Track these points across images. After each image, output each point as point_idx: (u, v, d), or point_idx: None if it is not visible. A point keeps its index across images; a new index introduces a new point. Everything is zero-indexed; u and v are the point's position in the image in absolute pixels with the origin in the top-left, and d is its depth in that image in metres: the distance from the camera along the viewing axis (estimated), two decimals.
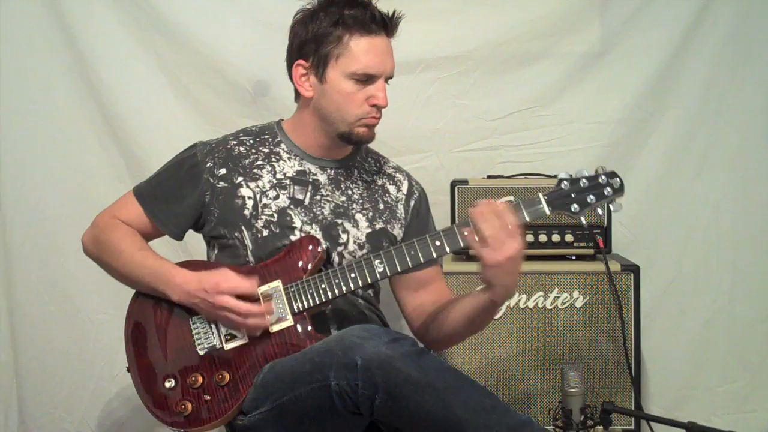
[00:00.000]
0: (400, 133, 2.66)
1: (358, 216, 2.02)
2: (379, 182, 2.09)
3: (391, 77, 1.96)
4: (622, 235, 2.68)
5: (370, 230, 2.02)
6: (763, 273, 2.76)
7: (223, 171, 2.00)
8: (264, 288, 1.88)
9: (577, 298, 2.39)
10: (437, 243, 1.83)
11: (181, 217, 2.02)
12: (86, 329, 2.77)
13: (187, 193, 2.00)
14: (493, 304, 1.83)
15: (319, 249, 1.91)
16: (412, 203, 2.10)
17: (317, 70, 1.93)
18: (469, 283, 2.37)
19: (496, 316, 2.38)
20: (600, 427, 2.23)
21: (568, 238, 2.44)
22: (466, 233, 1.77)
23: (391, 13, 1.92)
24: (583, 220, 1.82)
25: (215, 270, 1.89)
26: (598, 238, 2.43)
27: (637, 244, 2.74)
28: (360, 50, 1.89)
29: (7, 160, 2.71)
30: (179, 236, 2.06)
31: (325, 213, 2.00)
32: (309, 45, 1.93)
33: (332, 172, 2.03)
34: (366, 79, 1.91)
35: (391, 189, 2.09)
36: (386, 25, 1.91)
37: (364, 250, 1.99)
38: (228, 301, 1.83)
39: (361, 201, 2.04)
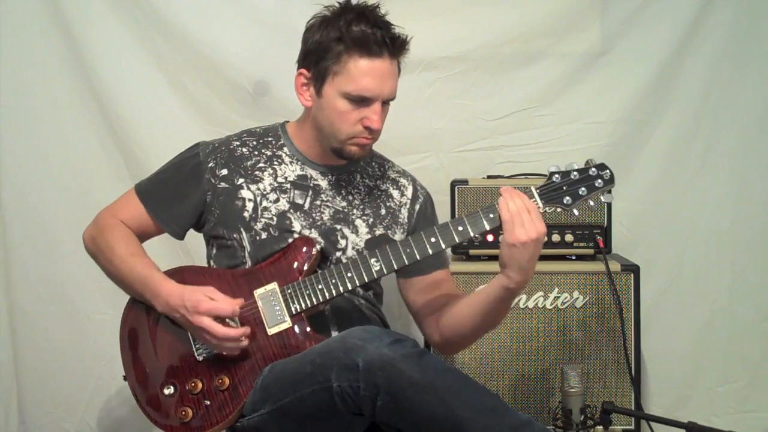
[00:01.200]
0: (400, 133, 2.64)
1: (358, 222, 2.02)
2: (383, 187, 2.08)
3: (391, 99, 1.93)
4: (622, 235, 2.68)
5: (369, 236, 2.01)
6: (763, 273, 2.76)
7: (224, 172, 1.99)
8: (260, 290, 1.88)
9: (577, 298, 2.39)
10: (432, 240, 1.83)
11: (183, 216, 2.02)
12: (86, 329, 2.76)
13: (189, 193, 2.00)
14: (508, 292, 1.80)
15: (314, 250, 1.91)
16: (417, 207, 2.09)
17: (316, 83, 1.91)
18: (469, 283, 2.38)
19: None
20: (600, 427, 2.22)
21: (568, 238, 2.44)
22: (491, 215, 1.79)
23: (397, 35, 1.88)
24: (576, 212, 1.84)
25: (200, 288, 1.87)
26: (598, 238, 2.43)
27: (637, 244, 2.74)
28: (358, 72, 1.85)
29: (7, 160, 2.71)
30: (180, 236, 2.06)
31: (325, 218, 1.99)
32: (311, 56, 1.91)
33: (333, 177, 2.03)
34: (360, 101, 1.87)
35: (395, 193, 2.09)
36: (389, 48, 1.86)
37: None
38: (204, 321, 1.82)
39: (362, 206, 2.03)
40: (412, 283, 2.05)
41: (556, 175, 1.82)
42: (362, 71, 1.86)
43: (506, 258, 1.77)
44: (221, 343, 1.84)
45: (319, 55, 1.89)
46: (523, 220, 1.74)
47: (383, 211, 2.05)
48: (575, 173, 1.82)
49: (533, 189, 1.82)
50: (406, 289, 2.08)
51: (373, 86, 1.87)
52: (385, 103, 1.92)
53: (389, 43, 1.86)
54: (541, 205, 1.81)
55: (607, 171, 1.83)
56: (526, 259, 1.75)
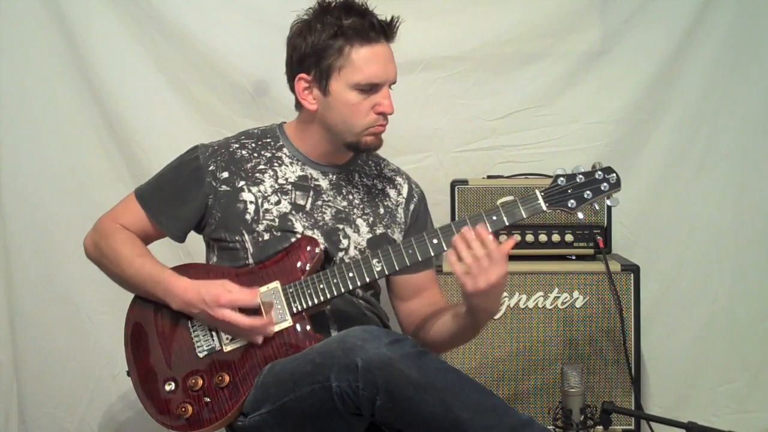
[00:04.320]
0: (400, 133, 2.63)
1: (359, 221, 2.02)
2: (380, 186, 2.08)
3: (394, 83, 1.95)
4: (622, 235, 2.68)
5: (370, 235, 2.01)
6: (763, 273, 2.75)
7: (225, 174, 1.99)
8: (263, 289, 1.88)
9: (577, 298, 2.39)
10: (434, 241, 1.84)
11: (183, 220, 2.02)
12: (86, 329, 2.76)
13: (190, 197, 2.00)
14: (476, 325, 1.87)
15: (317, 249, 1.91)
16: (412, 207, 2.10)
17: (320, 83, 1.91)
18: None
19: (496, 317, 2.39)
20: (600, 427, 2.23)
21: (568, 238, 2.44)
22: (450, 257, 1.77)
23: (389, 18, 1.90)
24: (581, 216, 1.84)
25: (215, 281, 1.88)
26: (598, 238, 2.43)
27: (637, 244, 2.74)
28: (362, 60, 1.87)
29: (7, 160, 2.71)
30: (181, 239, 2.06)
31: (326, 218, 1.99)
32: (309, 58, 1.91)
33: (334, 177, 2.03)
34: (370, 89, 1.89)
35: (392, 193, 2.09)
36: (385, 31, 1.90)
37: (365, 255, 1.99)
38: (228, 315, 1.83)
39: (362, 206, 2.03)
40: (396, 287, 2.07)
41: (562, 178, 1.82)
42: (366, 59, 1.88)
43: (469, 303, 1.79)
44: (249, 333, 1.86)
45: (318, 55, 1.89)
46: (481, 266, 1.73)
47: (382, 210, 2.05)
48: (581, 176, 1.82)
49: (537, 192, 1.81)
50: (392, 293, 2.10)
51: (380, 71, 1.89)
52: (389, 87, 1.94)
53: (385, 27, 1.89)
54: (544, 207, 1.80)
55: (614, 175, 1.82)
56: (489, 302, 1.78)
